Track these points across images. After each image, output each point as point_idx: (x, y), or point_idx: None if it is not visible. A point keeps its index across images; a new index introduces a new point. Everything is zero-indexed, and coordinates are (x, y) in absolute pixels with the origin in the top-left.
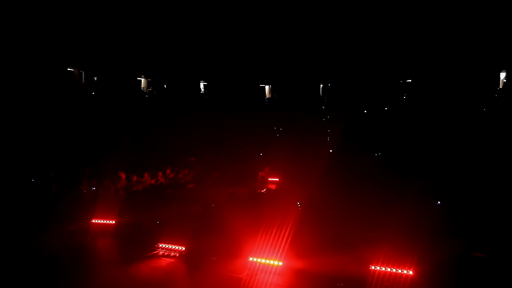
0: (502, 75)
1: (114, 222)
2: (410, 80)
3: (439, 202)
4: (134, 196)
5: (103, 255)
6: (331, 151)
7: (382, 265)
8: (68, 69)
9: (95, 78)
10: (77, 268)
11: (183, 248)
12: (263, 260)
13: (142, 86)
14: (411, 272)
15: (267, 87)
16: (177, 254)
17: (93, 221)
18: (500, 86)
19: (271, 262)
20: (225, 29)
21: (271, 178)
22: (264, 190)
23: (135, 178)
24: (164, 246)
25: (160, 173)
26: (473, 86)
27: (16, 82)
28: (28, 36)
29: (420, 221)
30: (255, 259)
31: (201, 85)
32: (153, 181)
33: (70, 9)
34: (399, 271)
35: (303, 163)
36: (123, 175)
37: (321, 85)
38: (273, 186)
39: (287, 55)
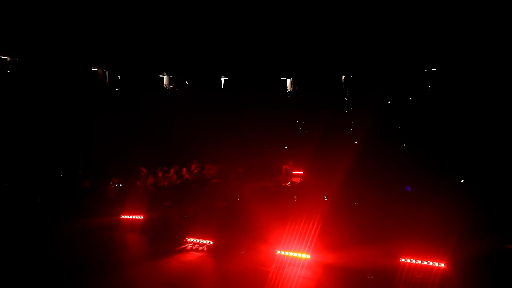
0: None
1: (142, 217)
2: (435, 69)
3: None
4: (160, 192)
5: (133, 250)
6: (356, 142)
7: (412, 257)
8: (93, 69)
9: (119, 77)
10: (108, 262)
11: (211, 242)
12: (291, 253)
13: (164, 83)
14: (443, 265)
15: (288, 81)
16: (205, 248)
17: (123, 216)
18: None
19: (299, 255)
20: (245, 22)
21: (295, 171)
22: (289, 183)
23: (160, 174)
24: (192, 240)
25: (184, 169)
26: (502, 73)
27: (45, 84)
28: (54, 38)
29: (453, 213)
30: (283, 252)
31: (222, 80)
32: (178, 177)
33: (93, 11)
34: (430, 263)
35: (327, 156)
36: (144, 171)
37: (343, 77)
38: (297, 180)
39: (308, 47)
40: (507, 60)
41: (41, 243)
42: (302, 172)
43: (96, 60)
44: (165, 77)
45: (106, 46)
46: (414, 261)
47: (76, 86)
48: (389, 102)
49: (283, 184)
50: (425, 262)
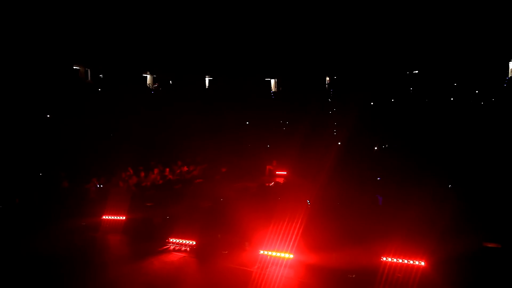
0: (511, 64)
1: (124, 218)
2: (416, 71)
3: (450, 186)
4: (143, 192)
5: (114, 251)
6: (339, 143)
7: (393, 256)
8: (74, 67)
9: (101, 76)
10: (89, 264)
11: (194, 243)
12: (274, 253)
13: (147, 83)
14: (423, 263)
15: (272, 81)
16: (188, 249)
17: (104, 217)
18: (509, 75)
19: (282, 255)
20: (229, 23)
21: (279, 171)
22: (272, 183)
23: (143, 174)
24: (174, 241)
25: (167, 169)
26: (481, 76)
27: (24, 82)
28: (34, 35)
29: (433, 212)
30: (266, 252)
31: (206, 80)
32: (161, 177)
33: (75, 8)
34: (411, 262)
35: (311, 156)
36: (131, 171)
37: (327, 78)
38: (281, 180)
39: (293, 48)
40: (487, 63)
41: (19, 245)
42: (285, 172)
43: (77, 58)
44: (148, 76)
45: (88, 44)
46: (395, 260)
47: (57, 85)
48: (372, 103)
49: (267, 184)
50: (406, 261)
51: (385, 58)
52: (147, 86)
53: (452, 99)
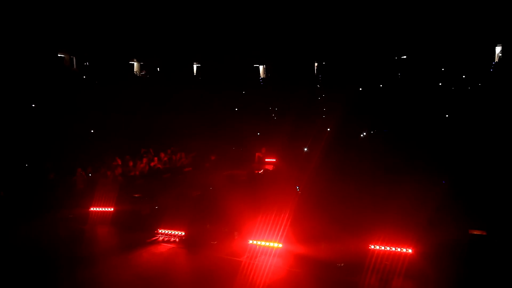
0: (498, 49)
1: (112, 209)
2: (405, 56)
3: (443, 182)
4: (131, 182)
5: (103, 243)
6: (328, 129)
7: (381, 244)
8: (59, 55)
9: (87, 64)
10: (77, 256)
11: (183, 233)
12: (263, 243)
13: (135, 70)
14: (410, 251)
15: (261, 67)
16: (177, 239)
17: (92, 209)
18: (496, 60)
19: (271, 244)
20: (217, 7)
21: (268, 158)
22: (262, 171)
23: (131, 164)
24: (163, 231)
25: (156, 158)
26: (468, 61)
27: (7, 71)
28: (16, 21)
29: (420, 200)
30: (255, 242)
31: (194, 66)
32: (149, 166)
33: None
34: (399, 249)
35: (300, 143)
36: (119, 161)
37: (316, 64)
38: (270, 167)
39: (281, 34)
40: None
41: (5, 238)
42: (275, 160)
43: (62, 46)
44: (135, 63)
45: (73, 30)
46: (383, 248)
47: (41, 73)
48: (360, 89)
49: (256, 172)
50: (393, 249)
51: (374, 44)
52: (134, 73)
53: (440, 84)
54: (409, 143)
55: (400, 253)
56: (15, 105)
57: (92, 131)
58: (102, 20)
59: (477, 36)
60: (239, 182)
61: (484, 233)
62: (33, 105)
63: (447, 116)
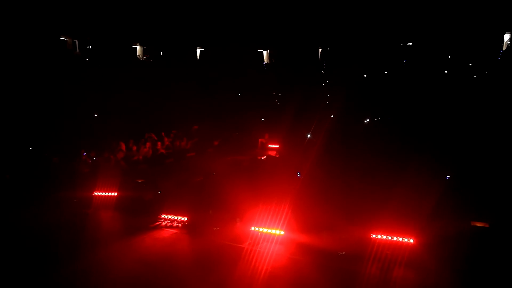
0: (506, 37)
1: (116, 194)
2: (411, 43)
3: (448, 177)
4: (134, 167)
5: (106, 228)
6: (332, 116)
7: (383, 233)
8: (62, 38)
9: (89, 47)
10: (81, 241)
11: (185, 219)
12: (265, 230)
13: (138, 54)
14: (412, 241)
15: (265, 52)
16: (180, 225)
17: (95, 193)
18: (504, 49)
19: (273, 231)
20: None
21: (271, 144)
22: (265, 157)
23: (135, 148)
24: (166, 217)
25: (159, 143)
26: (475, 49)
27: (10, 55)
28: (19, 4)
29: (423, 190)
30: (257, 229)
31: (198, 51)
32: (153, 151)
33: None
34: (400, 239)
35: (303, 129)
36: (123, 146)
37: (320, 49)
38: (273, 153)
39: (286, 18)
40: (482, 36)
41: (10, 222)
42: (277, 146)
43: (65, 29)
44: (138, 47)
45: (76, 13)
46: (384, 237)
47: (44, 57)
48: (365, 75)
49: (259, 158)
50: (395, 238)
51: (379, 30)
52: (137, 57)
53: (446, 71)
54: (413, 132)
55: (402, 243)
56: (18, 88)
57: (95, 115)
58: (105, 3)
59: (486, 23)
60: (242, 168)
61: (487, 225)
62: (36, 89)
63: (452, 105)
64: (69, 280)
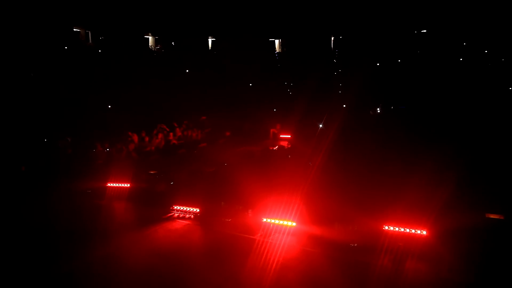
0: None
1: (129, 185)
2: (425, 31)
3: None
4: (147, 158)
5: (119, 219)
6: (344, 106)
7: (395, 225)
8: (75, 29)
9: (102, 38)
10: (94, 231)
11: (198, 210)
12: (276, 221)
13: (150, 44)
14: (424, 233)
15: (277, 42)
16: (192, 216)
17: (108, 184)
18: None
19: (285, 223)
20: None
21: (283, 135)
22: (276, 147)
23: (147, 139)
24: (179, 208)
25: (171, 134)
26: (491, 35)
27: (25, 46)
28: None
29: (436, 181)
30: (268, 220)
31: (209, 41)
32: (165, 142)
33: None
34: (413, 231)
35: (315, 119)
36: (135, 137)
37: (332, 38)
38: (285, 143)
39: (298, 6)
40: (498, 21)
41: (26, 212)
42: (289, 136)
43: (78, 20)
44: (150, 37)
45: (88, 4)
46: (397, 229)
47: (57, 47)
48: (378, 64)
49: (271, 148)
50: (407, 230)
51: (392, 17)
52: (149, 47)
53: (461, 59)
54: (427, 122)
55: (415, 235)
56: (32, 80)
57: (109, 106)
58: None
59: (502, 9)
60: (254, 158)
61: (502, 217)
62: (50, 80)
63: (467, 95)
64: (82, 270)
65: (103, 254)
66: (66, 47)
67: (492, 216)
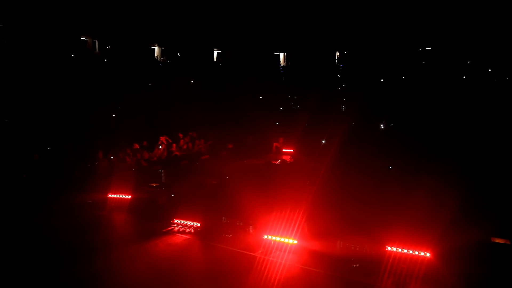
0: None
1: (129, 197)
2: (429, 48)
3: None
4: (149, 169)
5: (119, 231)
6: (347, 122)
7: (398, 246)
8: (82, 38)
9: (108, 47)
10: (93, 243)
11: (198, 224)
12: (277, 238)
13: (155, 55)
14: (428, 255)
15: (281, 55)
16: (192, 230)
17: (109, 195)
18: None
19: (286, 240)
20: None
21: (286, 149)
22: (279, 161)
23: (156, 150)
24: (179, 222)
25: (174, 145)
26: (494, 54)
27: (31, 53)
28: (40, 4)
29: (440, 202)
30: (269, 237)
31: (215, 53)
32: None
33: None
34: (416, 253)
35: (318, 134)
36: (137, 147)
37: (337, 53)
38: (287, 157)
39: (303, 21)
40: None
41: (25, 222)
42: (292, 150)
43: (85, 29)
44: (156, 48)
45: (96, 15)
46: (400, 250)
47: (65, 56)
48: (382, 80)
49: (273, 162)
50: (410, 251)
51: (397, 34)
52: (155, 58)
53: (464, 77)
54: (431, 140)
55: (418, 257)
56: (36, 88)
57: (113, 115)
58: (125, 4)
59: (505, 28)
60: (256, 172)
61: (508, 242)
62: (54, 88)
63: (471, 112)
64: (80, 283)
65: (100, 267)
66: (72, 55)
67: (498, 240)
